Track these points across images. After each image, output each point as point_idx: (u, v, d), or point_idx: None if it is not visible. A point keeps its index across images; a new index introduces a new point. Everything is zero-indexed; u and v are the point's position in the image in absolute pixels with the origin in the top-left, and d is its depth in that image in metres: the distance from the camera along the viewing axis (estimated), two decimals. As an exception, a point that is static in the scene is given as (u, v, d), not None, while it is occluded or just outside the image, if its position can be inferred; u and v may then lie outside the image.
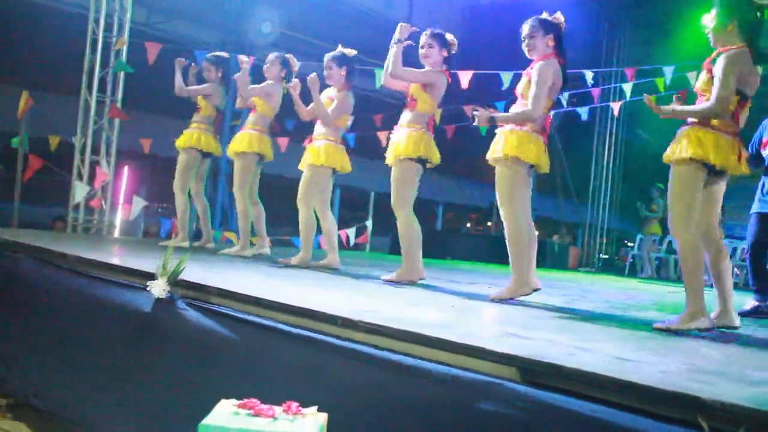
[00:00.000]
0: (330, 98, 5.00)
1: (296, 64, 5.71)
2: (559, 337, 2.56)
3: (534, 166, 3.72)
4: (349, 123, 5.16)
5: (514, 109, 3.78)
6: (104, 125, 8.21)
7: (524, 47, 3.78)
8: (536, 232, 3.89)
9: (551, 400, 1.87)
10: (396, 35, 4.29)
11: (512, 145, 3.65)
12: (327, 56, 5.02)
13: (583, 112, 10.02)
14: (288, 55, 5.63)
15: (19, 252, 4.46)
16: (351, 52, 5.05)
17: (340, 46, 5.12)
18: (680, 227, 2.99)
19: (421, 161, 4.32)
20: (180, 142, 5.92)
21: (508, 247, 3.75)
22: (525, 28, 3.78)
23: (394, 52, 4.26)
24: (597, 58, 13.41)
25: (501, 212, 3.78)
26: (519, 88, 3.81)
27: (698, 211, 3.02)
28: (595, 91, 9.21)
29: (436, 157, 4.38)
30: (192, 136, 5.86)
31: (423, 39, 4.38)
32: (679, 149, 3.01)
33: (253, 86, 5.54)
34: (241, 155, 5.44)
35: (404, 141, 4.28)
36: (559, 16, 3.78)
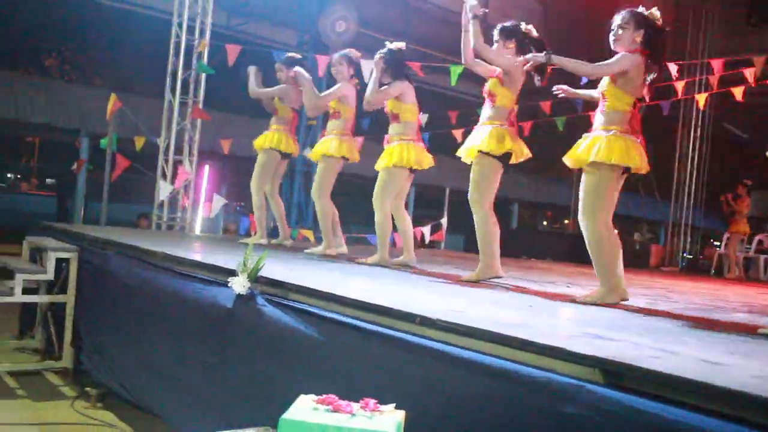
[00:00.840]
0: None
1: (358, 56, 5.70)
2: (642, 339, 2.48)
3: (631, 169, 3.57)
4: (422, 117, 5.11)
5: (590, 91, 3.68)
6: (187, 126, 8.48)
7: (611, 36, 3.65)
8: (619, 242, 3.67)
9: (635, 403, 1.81)
10: (470, 12, 4.14)
11: (601, 149, 3.50)
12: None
13: (666, 105, 9.67)
14: (351, 51, 5.65)
15: (108, 249, 4.65)
16: (399, 46, 5.06)
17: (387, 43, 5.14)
18: None
19: (503, 158, 4.24)
20: (258, 143, 6.04)
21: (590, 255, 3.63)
22: (617, 18, 3.64)
23: (473, 28, 4.14)
24: (681, 49, 12.92)
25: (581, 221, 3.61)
26: (601, 85, 3.68)
27: None
28: (679, 84, 8.87)
29: (524, 152, 4.29)
30: (271, 138, 5.97)
31: (495, 35, 4.33)
32: None
33: (327, 92, 5.57)
34: (326, 159, 5.49)
35: (486, 137, 4.21)
36: (656, 12, 3.59)
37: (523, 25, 4.29)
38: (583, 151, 3.58)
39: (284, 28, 13.53)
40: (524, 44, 4.24)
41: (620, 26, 3.61)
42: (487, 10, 4.25)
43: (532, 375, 2.04)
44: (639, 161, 3.52)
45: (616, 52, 3.63)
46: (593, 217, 3.54)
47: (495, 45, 4.27)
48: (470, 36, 4.17)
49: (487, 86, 4.32)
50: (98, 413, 4.16)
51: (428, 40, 12.15)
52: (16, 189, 23.13)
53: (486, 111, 4.32)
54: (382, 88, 4.97)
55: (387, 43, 5.08)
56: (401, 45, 5.06)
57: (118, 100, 8.11)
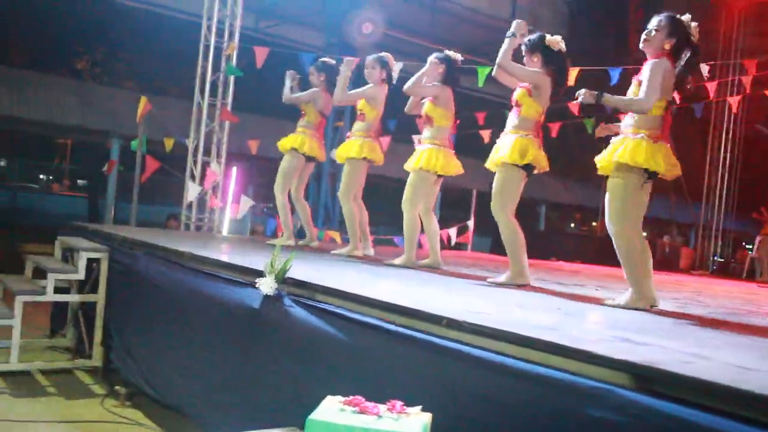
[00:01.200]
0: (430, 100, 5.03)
1: (395, 63, 5.72)
2: (672, 344, 2.44)
3: (657, 174, 3.53)
4: (452, 123, 5.10)
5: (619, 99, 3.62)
6: (215, 127, 8.56)
7: (642, 35, 3.61)
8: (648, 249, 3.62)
9: (665, 408, 1.79)
10: (512, 29, 4.23)
11: (637, 153, 3.46)
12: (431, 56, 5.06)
13: (698, 107, 9.53)
14: (386, 55, 5.65)
15: (138, 249, 4.71)
16: (456, 56, 5.06)
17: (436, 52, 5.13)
18: None
19: (527, 168, 4.23)
20: (282, 144, 6.04)
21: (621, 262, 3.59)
22: (653, 21, 3.60)
23: (506, 45, 4.20)
24: (713, 49, 12.73)
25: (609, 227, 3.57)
26: (631, 90, 3.63)
27: None
28: (711, 85, 8.73)
29: (543, 164, 4.28)
30: (296, 140, 5.96)
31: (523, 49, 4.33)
32: None
33: (356, 91, 5.59)
34: (350, 161, 5.51)
35: (509, 147, 4.20)
36: (693, 26, 3.53)
37: (547, 37, 4.28)
38: (608, 155, 3.54)
39: (312, 31, 13.58)
40: (549, 57, 4.24)
41: (654, 29, 3.56)
42: (530, 37, 4.28)
43: (560, 378, 2.02)
44: (664, 165, 3.46)
45: (642, 51, 3.59)
46: (620, 221, 3.50)
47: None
48: (501, 49, 4.19)
49: (515, 95, 4.31)
50: (127, 411, 4.22)
51: (455, 42, 12.07)
52: (49, 190, 23.55)
53: (512, 119, 4.32)
54: (425, 83, 5.01)
55: (445, 50, 5.12)
56: (458, 56, 5.07)
57: (149, 102, 8.20)
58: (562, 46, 4.27)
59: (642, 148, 3.44)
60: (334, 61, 6.15)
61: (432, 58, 5.05)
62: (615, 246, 3.54)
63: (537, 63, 4.27)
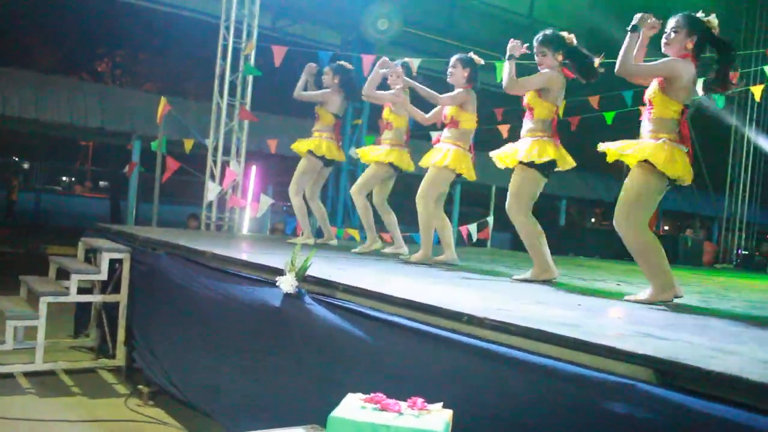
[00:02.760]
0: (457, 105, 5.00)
1: (415, 68, 5.69)
2: (697, 339, 2.41)
3: (677, 179, 3.50)
4: (475, 126, 5.07)
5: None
6: (234, 127, 8.60)
7: (663, 39, 3.56)
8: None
9: (689, 403, 1.76)
10: (508, 51, 4.20)
11: (659, 157, 3.40)
12: (453, 57, 5.03)
13: (719, 98, 9.40)
14: (408, 60, 5.63)
15: (159, 249, 4.74)
16: (479, 60, 5.02)
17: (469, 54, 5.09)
18: None
19: (544, 169, 4.21)
20: (297, 146, 6.02)
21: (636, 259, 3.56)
22: (671, 21, 3.54)
23: (507, 68, 4.17)
24: (735, 39, 12.56)
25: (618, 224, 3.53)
26: (648, 92, 3.58)
27: None
28: (733, 75, 8.59)
29: (566, 160, 4.26)
30: (312, 143, 5.94)
31: (535, 48, 4.29)
32: None
33: (383, 93, 5.57)
34: (376, 164, 5.53)
35: (527, 148, 4.19)
36: (713, 20, 3.48)
37: (565, 35, 4.25)
38: (634, 154, 3.48)
39: (328, 29, 13.60)
40: (573, 54, 4.22)
41: (673, 29, 3.51)
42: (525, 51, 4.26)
43: (582, 374, 2.00)
44: (682, 172, 3.43)
45: (666, 55, 3.53)
46: (632, 221, 3.46)
47: (542, 57, 4.21)
48: (504, 73, 4.18)
49: (525, 99, 4.31)
50: (150, 411, 4.26)
51: (472, 37, 12.06)
52: (71, 191, 23.85)
53: (526, 124, 4.31)
54: (449, 94, 4.98)
55: (471, 54, 5.10)
56: (480, 60, 5.05)
57: (168, 104, 8.26)
58: (576, 42, 4.25)
59: (665, 153, 3.38)
60: (351, 67, 6.11)
61: (456, 62, 4.99)
62: (627, 246, 3.51)
63: (553, 65, 4.24)
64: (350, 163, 11.17)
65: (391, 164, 5.46)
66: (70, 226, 12.82)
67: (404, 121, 5.54)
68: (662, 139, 3.42)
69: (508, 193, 4.27)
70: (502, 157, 4.33)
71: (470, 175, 5.00)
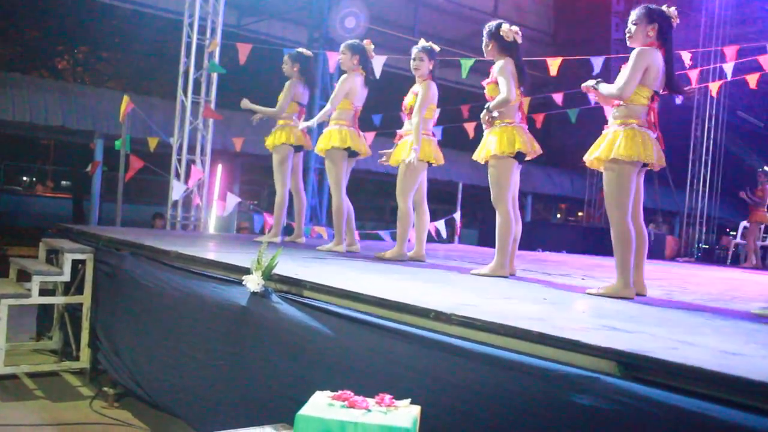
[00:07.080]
0: (414, 93, 4.99)
1: (374, 56, 5.63)
2: (659, 331, 2.46)
3: (649, 164, 3.58)
4: (436, 114, 5.10)
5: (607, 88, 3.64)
6: (199, 125, 8.51)
7: (626, 33, 3.65)
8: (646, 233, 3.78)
9: (652, 395, 1.80)
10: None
11: (621, 146, 3.50)
12: (415, 48, 5.03)
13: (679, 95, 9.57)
14: (365, 41, 5.58)
15: (123, 249, 4.68)
16: (436, 47, 5.05)
17: (422, 39, 5.09)
18: None
19: (516, 156, 4.28)
20: (269, 142, 6.01)
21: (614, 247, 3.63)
22: (631, 16, 3.65)
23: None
24: (695, 38, 12.82)
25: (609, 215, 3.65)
26: (618, 79, 3.65)
27: None
28: (693, 72, 8.78)
29: (534, 147, 4.34)
30: (279, 135, 5.93)
31: (484, 40, 4.40)
32: None
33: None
34: (327, 152, 5.46)
35: (497, 140, 4.26)
36: (672, 12, 3.60)
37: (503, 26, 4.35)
38: (603, 151, 3.57)
39: (295, 26, 13.55)
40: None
41: (633, 23, 3.62)
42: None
43: (548, 368, 2.03)
44: (655, 156, 3.54)
45: (631, 48, 3.61)
46: (618, 211, 3.57)
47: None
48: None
49: (486, 93, 4.42)
50: (116, 413, 4.20)
51: (439, 35, 12.12)
52: (32, 191, 23.36)
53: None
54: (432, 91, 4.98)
55: (423, 41, 5.09)
56: (436, 47, 5.05)
57: (131, 101, 8.14)
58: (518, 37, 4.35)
59: (635, 140, 3.49)
60: (310, 54, 6.09)
61: (422, 54, 4.99)
62: (612, 234, 3.59)
63: (495, 54, 4.37)
64: (318, 161, 11.13)
65: (348, 149, 5.41)
66: (31, 227, 12.57)
67: (349, 103, 5.44)
68: (631, 125, 3.50)
69: (490, 185, 4.35)
70: (479, 153, 4.39)
71: (438, 160, 5.04)
